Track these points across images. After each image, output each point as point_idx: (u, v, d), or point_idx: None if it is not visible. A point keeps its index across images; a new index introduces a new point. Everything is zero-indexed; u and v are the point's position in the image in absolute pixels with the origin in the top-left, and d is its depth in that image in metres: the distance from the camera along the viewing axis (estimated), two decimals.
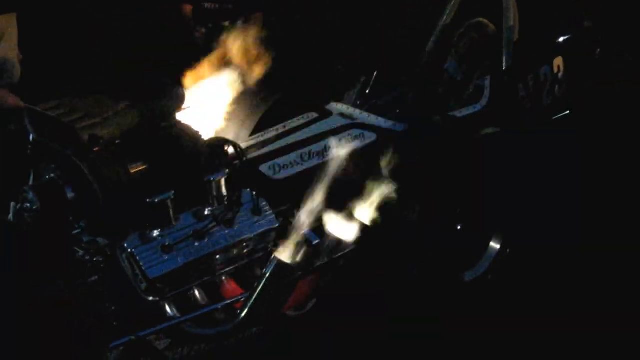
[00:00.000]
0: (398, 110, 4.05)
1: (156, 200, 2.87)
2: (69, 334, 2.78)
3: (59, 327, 2.79)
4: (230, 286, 3.19)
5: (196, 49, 5.57)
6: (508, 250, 3.93)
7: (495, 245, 3.93)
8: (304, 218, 3.11)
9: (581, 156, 4.78)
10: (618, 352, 3.50)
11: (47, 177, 2.96)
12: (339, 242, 3.09)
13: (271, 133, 3.70)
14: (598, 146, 4.97)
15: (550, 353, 3.50)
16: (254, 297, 2.98)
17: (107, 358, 2.75)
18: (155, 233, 2.93)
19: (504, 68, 4.13)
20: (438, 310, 3.74)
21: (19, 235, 2.98)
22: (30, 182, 2.98)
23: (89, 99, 3.06)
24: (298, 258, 3.01)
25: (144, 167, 2.94)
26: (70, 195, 2.87)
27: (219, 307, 3.10)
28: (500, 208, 3.87)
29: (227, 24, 5.74)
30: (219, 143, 3.23)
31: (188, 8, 5.79)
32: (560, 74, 4.46)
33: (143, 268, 2.85)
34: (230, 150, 3.27)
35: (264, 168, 3.42)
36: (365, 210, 3.07)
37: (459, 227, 3.72)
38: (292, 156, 3.50)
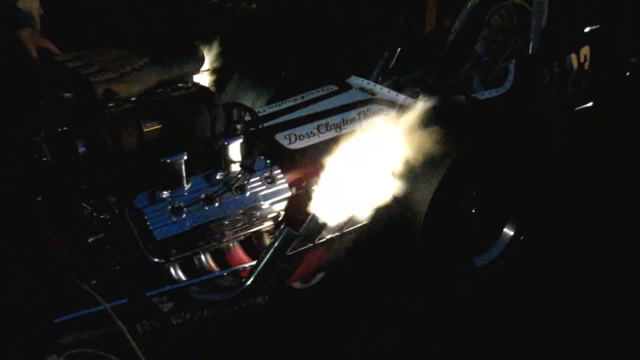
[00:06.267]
0: (419, 89, 4.01)
1: (168, 161, 2.83)
2: (71, 290, 2.75)
3: (61, 281, 2.76)
4: (238, 253, 3.15)
5: (218, 12, 5.54)
6: (522, 238, 3.87)
7: (509, 231, 3.87)
8: (316, 190, 3.07)
9: (600, 150, 4.72)
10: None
11: (59, 129, 2.92)
12: (350, 217, 3.04)
13: (289, 103, 3.67)
14: (618, 141, 4.91)
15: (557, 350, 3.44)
16: (260, 266, 2.94)
17: (110, 317, 2.71)
18: (165, 194, 2.89)
19: (530, 52, 4.07)
20: (445, 291, 3.70)
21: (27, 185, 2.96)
22: (42, 134, 2.93)
23: (108, 54, 3.02)
24: (308, 230, 2.97)
25: (159, 126, 2.89)
26: (81, 149, 2.83)
27: (225, 273, 3.06)
28: (516, 194, 3.81)
29: None
30: (236, 108, 3.18)
31: None
32: (586, 64, 4.39)
33: (151, 228, 2.81)
34: (247, 117, 3.23)
35: (279, 137, 3.39)
36: (379, 187, 3.01)
37: (473, 211, 3.66)
38: (309, 127, 3.46)
